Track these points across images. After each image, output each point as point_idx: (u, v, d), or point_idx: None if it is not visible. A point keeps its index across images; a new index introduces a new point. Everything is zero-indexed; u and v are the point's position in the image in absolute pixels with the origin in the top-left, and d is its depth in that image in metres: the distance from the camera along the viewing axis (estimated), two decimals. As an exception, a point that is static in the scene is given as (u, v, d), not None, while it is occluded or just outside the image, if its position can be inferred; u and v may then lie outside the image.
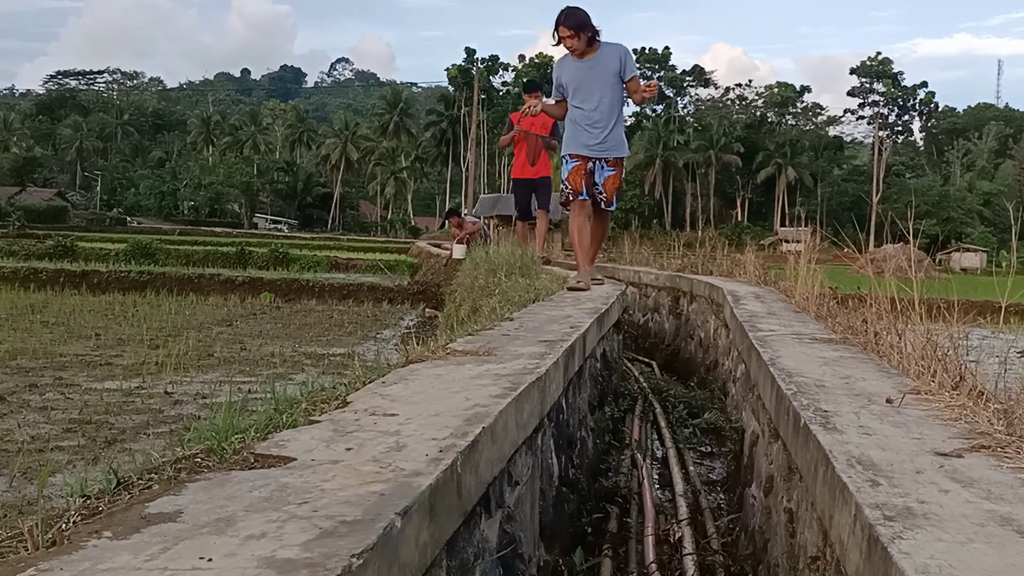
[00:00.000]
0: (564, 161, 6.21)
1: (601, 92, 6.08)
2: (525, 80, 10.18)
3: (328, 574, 1.10)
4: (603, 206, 6.27)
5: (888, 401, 2.40)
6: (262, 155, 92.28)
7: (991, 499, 1.55)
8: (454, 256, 15.53)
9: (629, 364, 8.04)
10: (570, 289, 6.13)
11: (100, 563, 1.14)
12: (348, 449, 1.68)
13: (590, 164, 6.13)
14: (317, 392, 2.28)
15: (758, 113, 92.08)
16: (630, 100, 6.33)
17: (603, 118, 6.09)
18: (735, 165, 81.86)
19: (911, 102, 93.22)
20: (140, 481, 1.51)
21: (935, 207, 74.71)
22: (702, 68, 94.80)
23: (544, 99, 8.87)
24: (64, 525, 1.29)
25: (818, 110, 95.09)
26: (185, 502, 1.37)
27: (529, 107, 7.61)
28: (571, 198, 6.19)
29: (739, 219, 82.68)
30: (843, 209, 79.86)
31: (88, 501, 1.41)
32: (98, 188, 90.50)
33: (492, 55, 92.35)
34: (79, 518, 1.33)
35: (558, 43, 6.09)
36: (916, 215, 5.30)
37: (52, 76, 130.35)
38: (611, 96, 6.11)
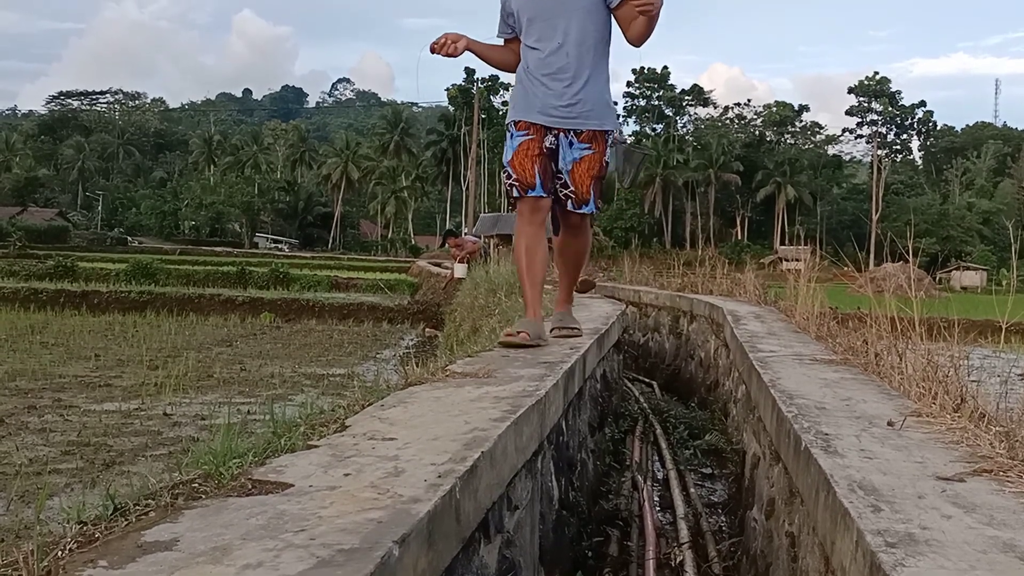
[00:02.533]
0: (508, 134, 4.02)
1: (568, 24, 3.88)
2: None
3: (325, 604, 1.09)
4: (570, 206, 3.96)
5: (889, 424, 2.39)
6: (263, 175, 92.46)
7: (993, 525, 1.54)
8: (455, 275, 15.57)
9: (629, 384, 8.02)
10: (502, 344, 3.84)
11: (95, 593, 1.13)
12: (346, 475, 1.67)
13: (549, 139, 3.90)
14: (316, 415, 2.27)
15: (757, 132, 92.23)
16: (625, 37, 3.93)
17: (572, 64, 3.86)
18: (734, 184, 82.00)
19: (909, 121, 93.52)
20: (137, 507, 1.50)
21: (934, 226, 74.82)
22: (701, 87, 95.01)
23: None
24: (60, 553, 1.28)
25: (816, 129, 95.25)
26: (182, 530, 1.36)
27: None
28: (516, 194, 3.96)
29: (739, 238, 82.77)
30: (842, 228, 79.91)
31: (84, 528, 1.40)
32: (99, 208, 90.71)
33: (492, 75, 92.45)
34: (75, 546, 1.32)
35: None
36: (915, 234, 5.32)
37: (54, 97, 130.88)
38: (588, 31, 3.90)
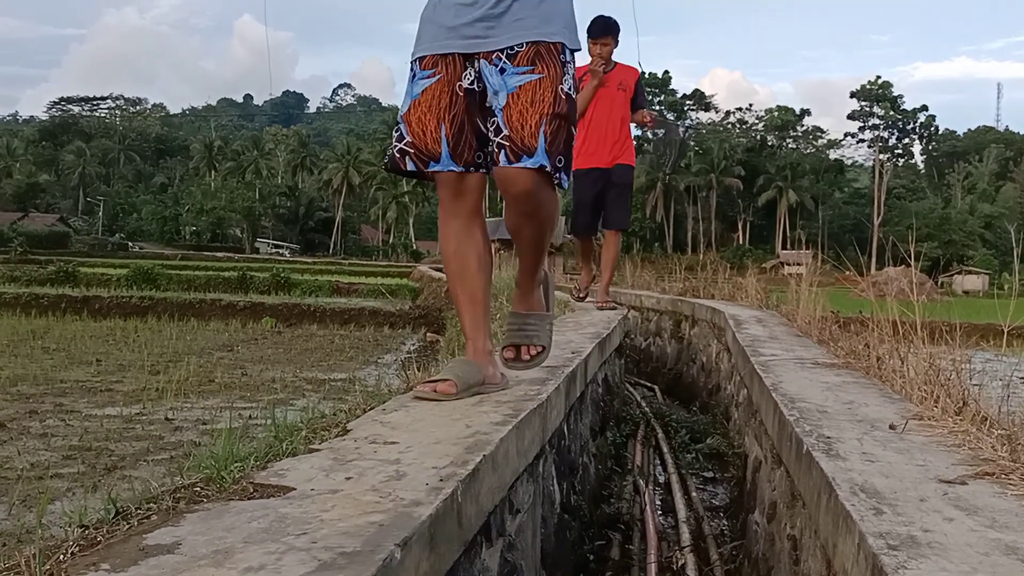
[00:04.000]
0: (409, 77, 2.66)
1: None
2: (592, 20, 6.41)
3: (327, 607, 1.09)
4: (503, 159, 2.50)
5: (891, 427, 2.39)
6: (264, 180, 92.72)
7: (995, 527, 1.54)
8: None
9: (631, 388, 8.02)
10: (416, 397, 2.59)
11: (97, 596, 1.13)
12: (348, 478, 1.67)
13: (469, 77, 2.58)
14: (317, 419, 2.27)
15: (758, 136, 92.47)
16: None
17: None
18: (736, 188, 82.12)
19: (911, 125, 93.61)
20: (139, 511, 1.50)
21: (936, 230, 74.93)
22: (702, 92, 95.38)
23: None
24: (62, 556, 1.28)
25: (818, 133, 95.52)
26: (184, 533, 1.36)
27: (595, 64, 5.91)
28: (411, 166, 2.68)
29: (740, 242, 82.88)
30: (844, 232, 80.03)
31: (86, 531, 1.40)
32: (100, 213, 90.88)
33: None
34: (77, 549, 1.32)
35: None
36: (917, 238, 5.31)
37: (55, 102, 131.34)
38: None
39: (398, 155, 2.65)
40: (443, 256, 2.81)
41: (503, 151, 2.49)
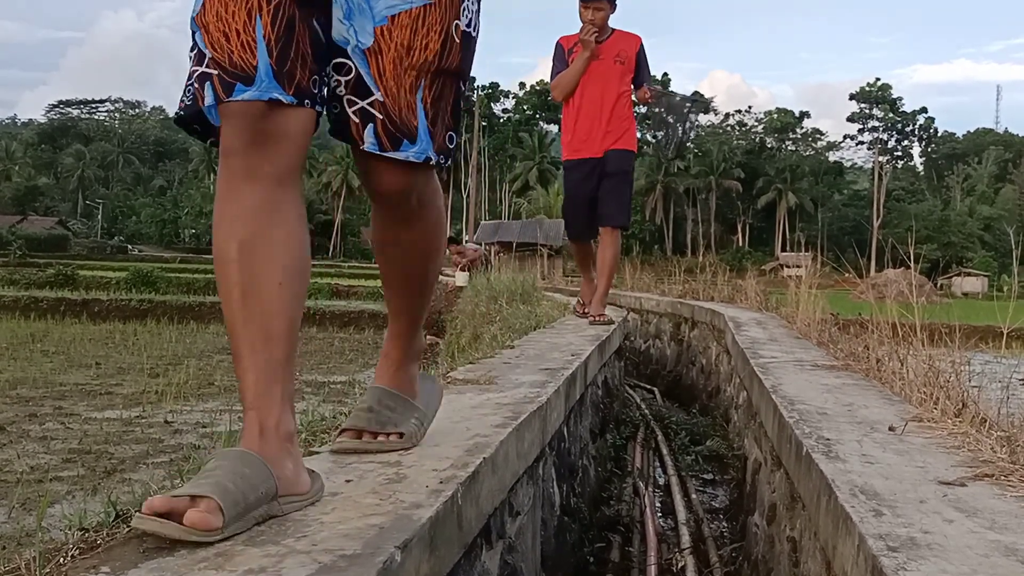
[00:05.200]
0: None
1: None
2: None
3: (327, 610, 1.09)
4: (369, 142, 1.60)
5: (891, 429, 2.39)
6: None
7: (995, 529, 1.54)
8: (457, 284, 15.59)
9: (631, 391, 8.02)
10: None
11: (97, 599, 1.13)
12: (348, 481, 1.67)
13: None
14: (317, 422, 2.27)
15: (758, 139, 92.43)
16: None
17: None
18: (735, 191, 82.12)
19: (910, 127, 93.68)
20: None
21: (936, 232, 74.99)
22: (702, 95, 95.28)
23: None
24: (62, 559, 1.28)
25: (818, 136, 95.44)
26: (184, 536, 1.36)
27: (586, 32, 5.00)
28: (210, 99, 1.45)
29: (740, 244, 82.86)
30: (844, 234, 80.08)
31: (86, 534, 1.40)
32: (99, 216, 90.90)
33: (492, 82, 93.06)
34: (77, 552, 1.32)
35: None
36: (917, 240, 5.30)
37: (54, 105, 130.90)
38: None
39: (197, 86, 1.49)
40: (217, 255, 1.52)
41: (372, 126, 1.63)
